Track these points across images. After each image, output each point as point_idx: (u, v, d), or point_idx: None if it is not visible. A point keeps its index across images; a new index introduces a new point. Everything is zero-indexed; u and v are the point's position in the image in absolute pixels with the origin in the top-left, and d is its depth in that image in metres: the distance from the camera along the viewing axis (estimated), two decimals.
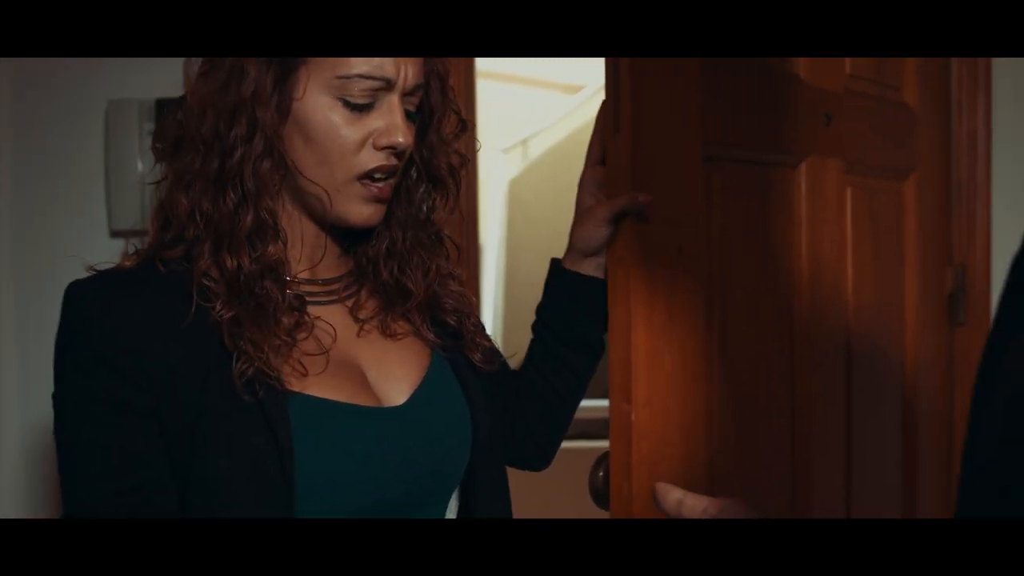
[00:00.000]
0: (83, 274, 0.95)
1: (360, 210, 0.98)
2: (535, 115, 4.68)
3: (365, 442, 0.96)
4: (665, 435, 1.14)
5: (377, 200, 0.98)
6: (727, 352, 1.22)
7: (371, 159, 0.96)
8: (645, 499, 1.12)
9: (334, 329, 1.00)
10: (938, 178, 1.68)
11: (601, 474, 1.20)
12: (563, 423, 1.25)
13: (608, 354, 1.14)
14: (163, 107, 1.68)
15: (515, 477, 1.19)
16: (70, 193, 1.75)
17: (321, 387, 0.95)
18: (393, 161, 0.98)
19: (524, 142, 4.93)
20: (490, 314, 4.27)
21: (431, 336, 1.08)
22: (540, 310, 1.21)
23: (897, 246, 1.58)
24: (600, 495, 1.20)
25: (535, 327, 1.22)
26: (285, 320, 0.95)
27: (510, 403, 1.20)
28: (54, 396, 0.93)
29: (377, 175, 0.97)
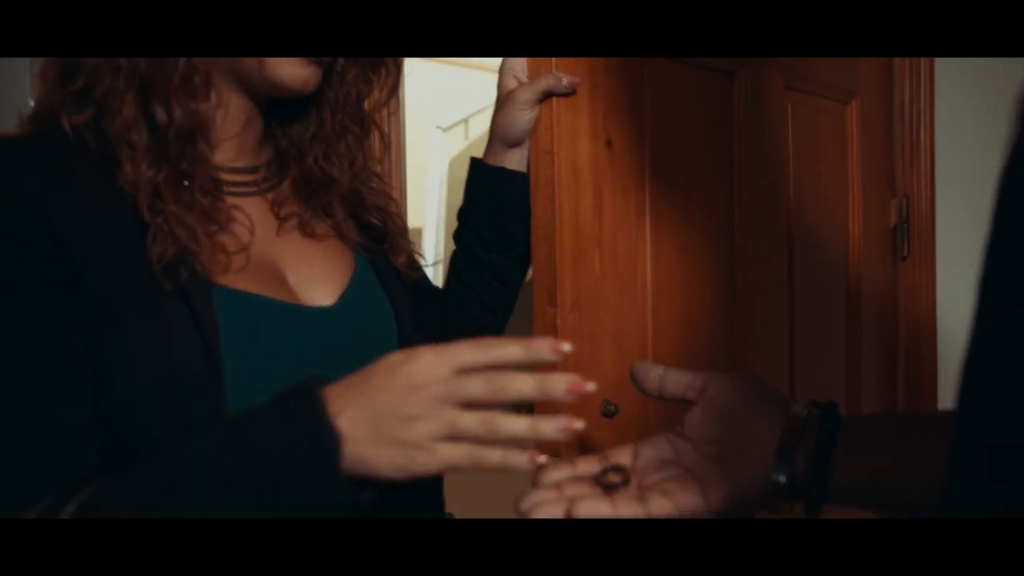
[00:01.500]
0: None
1: (296, 72, 0.86)
2: (475, 95, 4.60)
3: (295, 342, 0.84)
4: (595, 342, 1.05)
5: (316, 62, 0.87)
6: (661, 255, 1.13)
7: None
8: (571, 412, 1.03)
9: (252, 223, 0.88)
10: (881, 104, 1.62)
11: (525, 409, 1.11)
12: None
13: (532, 253, 1.04)
14: None
15: None
16: None
17: (245, 282, 0.83)
18: None
19: (465, 121, 4.84)
20: None
21: (354, 235, 0.96)
22: (463, 214, 1.11)
23: (840, 172, 1.52)
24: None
25: (458, 235, 1.12)
26: (205, 201, 0.83)
27: (435, 318, 1.09)
28: None
29: None
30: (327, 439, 0.67)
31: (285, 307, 0.84)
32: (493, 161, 1.07)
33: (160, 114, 0.80)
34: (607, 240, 1.07)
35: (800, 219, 1.40)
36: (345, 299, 0.90)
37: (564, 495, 0.72)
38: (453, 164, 4.74)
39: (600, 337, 1.06)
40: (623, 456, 0.77)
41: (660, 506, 0.71)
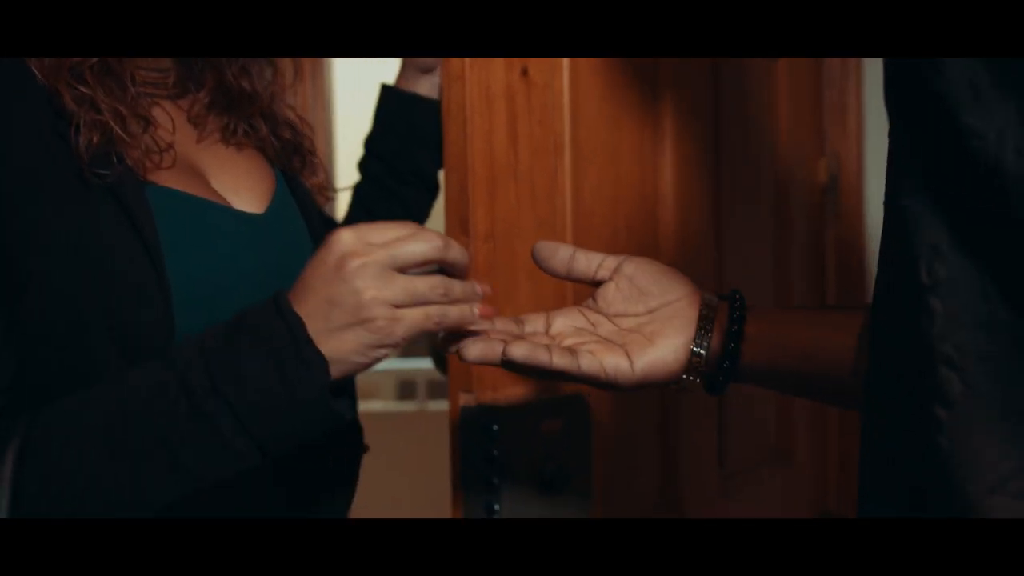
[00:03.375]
0: None
1: None
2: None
3: (234, 244, 0.79)
4: (510, 275, 1.02)
5: None
6: (583, 191, 1.10)
7: None
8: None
9: (174, 124, 0.82)
10: (809, 63, 1.61)
11: (442, 333, 1.07)
12: None
13: (444, 181, 1.01)
14: None
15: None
16: None
17: (175, 182, 0.76)
18: None
19: None
20: None
21: (274, 148, 0.91)
22: (371, 142, 1.08)
23: (770, 129, 1.51)
24: (440, 355, 1.07)
25: (364, 165, 1.08)
26: (134, 90, 0.76)
27: None
28: None
29: None
30: (313, 357, 0.64)
31: (221, 209, 0.79)
32: (405, 87, 1.03)
33: None
34: (523, 171, 1.03)
35: (728, 171, 1.38)
36: (272, 209, 0.86)
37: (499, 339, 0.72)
38: None
39: (515, 270, 1.02)
40: (538, 322, 0.77)
41: (589, 363, 0.72)
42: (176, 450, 0.63)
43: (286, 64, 0.97)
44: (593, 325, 0.77)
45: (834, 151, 1.63)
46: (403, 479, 2.68)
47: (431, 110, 1.03)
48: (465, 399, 0.98)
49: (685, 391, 0.76)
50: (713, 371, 0.75)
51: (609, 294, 0.77)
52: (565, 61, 1.08)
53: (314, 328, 0.64)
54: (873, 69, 1.65)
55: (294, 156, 0.93)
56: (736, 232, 1.39)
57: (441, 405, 3.03)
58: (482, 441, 0.96)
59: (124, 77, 0.75)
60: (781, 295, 1.51)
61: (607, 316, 0.77)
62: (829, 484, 1.69)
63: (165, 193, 0.74)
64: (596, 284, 0.79)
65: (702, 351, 0.74)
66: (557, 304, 1.07)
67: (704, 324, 0.74)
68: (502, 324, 0.75)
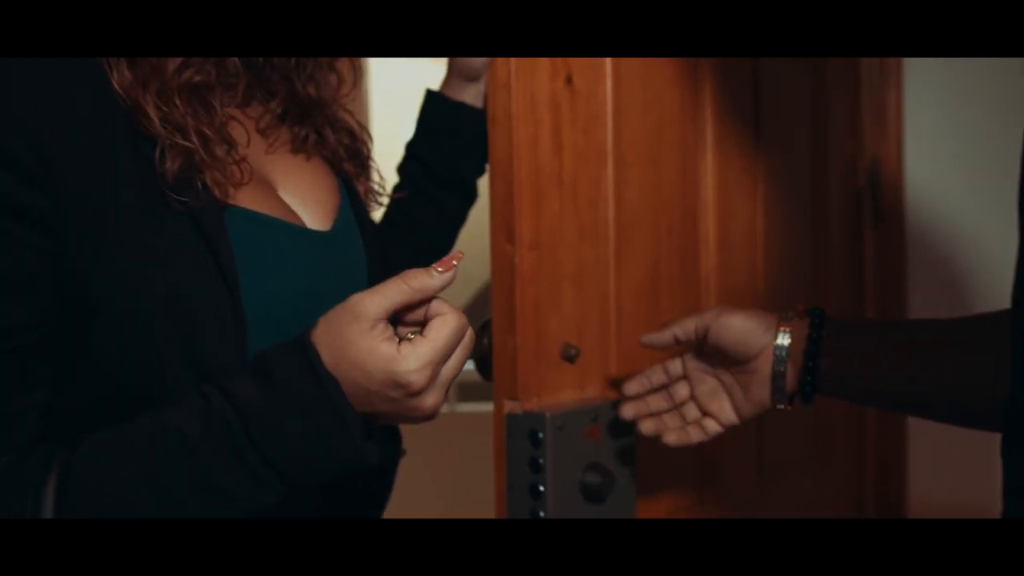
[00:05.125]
0: None
1: None
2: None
3: (305, 266, 0.79)
4: (554, 283, 1.03)
5: None
6: (625, 199, 1.11)
7: None
8: (532, 355, 1.01)
9: (248, 137, 0.80)
10: (849, 64, 1.60)
11: (486, 341, 1.08)
12: None
13: (489, 190, 1.01)
14: None
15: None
16: None
17: (249, 200, 0.75)
18: None
19: None
20: None
21: (341, 156, 0.91)
22: (413, 147, 1.08)
23: (808, 133, 1.50)
24: (485, 362, 1.08)
25: (406, 168, 1.09)
26: (217, 105, 0.74)
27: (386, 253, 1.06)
28: None
29: None
30: (351, 419, 0.66)
31: (293, 230, 0.79)
32: (450, 94, 1.04)
33: None
34: (567, 180, 1.04)
35: (768, 174, 1.38)
36: (337, 225, 0.85)
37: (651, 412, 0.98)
38: None
39: (559, 278, 1.03)
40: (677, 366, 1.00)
41: (713, 428, 0.97)
42: (208, 487, 0.65)
43: (345, 69, 0.97)
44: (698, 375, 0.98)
45: (873, 154, 1.62)
46: (438, 482, 2.70)
47: (475, 118, 1.04)
48: (510, 407, 0.99)
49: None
50: (797, 400, 0.94)
51: (703, 354, 0.98)
52: (608, 69, 1.09)
53: (351, 392, 0.66)
54: (913, 71, 1.64)
55: (352, 161, 0.93)
56: (775, 236, 1.39)
57: (471, 407, 3.04)
58: (527, 448, 0.97)
59: (212, 99, 0.75)
60: (819, 298, 1.51)
61: (705, 372, 0.98)
62: (867, 486, 1.68)
63: (242, 215, 0.74)
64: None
65: (782, 403, 0.95)
66: (602, 312, 1.08)
67: (777, 382, 0.93)
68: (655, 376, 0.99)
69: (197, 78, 0.73)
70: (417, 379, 0.65)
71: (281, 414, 0.65)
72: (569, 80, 1.04)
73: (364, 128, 0.95)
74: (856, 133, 1.61)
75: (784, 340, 0.92)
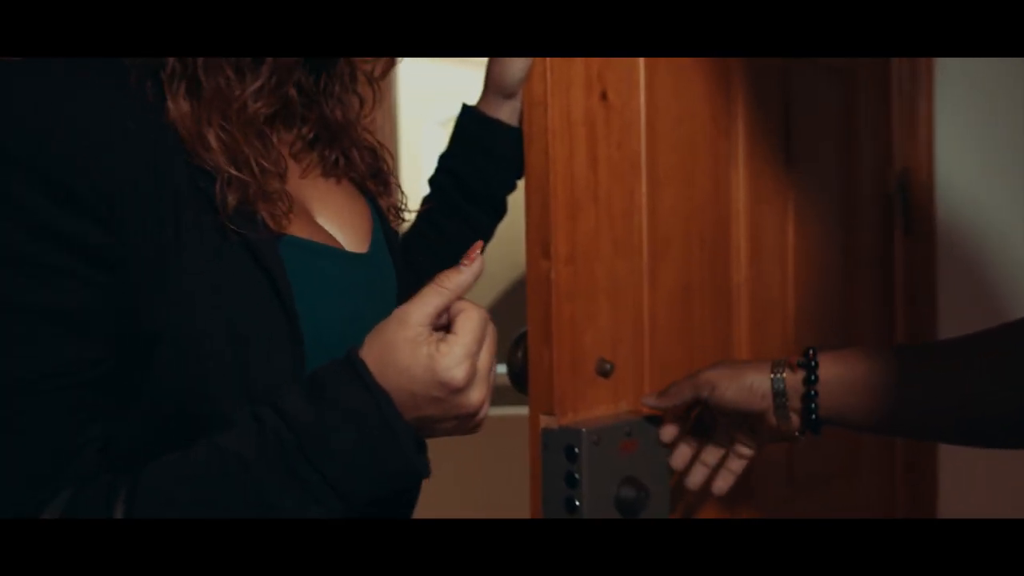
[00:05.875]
0: None
1: None
2: (471, 90, 4.59)
3: (350, 288, 0.81)
4: (590, 297, 1.03)
5: None
6: (658, 213, 1.11)
7: None
8: (568, 370, 1.01)
9: (285, 161, 0.79)
10: (879, 72, 1.60)
11: (521, 354, 1.09)
12: None
13: (525, 205, 1.02)
14: None
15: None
16: None
17: (296, 227, 0.76)
18: None
19: None
20: None
21: (366, 175, 0.92)
22: (446, 160, 1.09)
23: (838, 141, 1.50)
24: (519, 376, 1.08)
25: (437, 180, 1.09)
26: (275, 137, 0.75)
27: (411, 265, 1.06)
28: None
29: None
30: (401, 430, 0.68)
31: (339, 255, 0.80)
32: (486, 111, 1.05)
33: None
34: (602, 195, 1.04)
35: (799, 185, 1.38)
36: (373, 246, 0.87)
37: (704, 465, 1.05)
38: None
39: (595, 293, 1.03)
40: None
41: (738, 466, 1.05)
42: (266, 505, 0.66)
43: (367, 90, 0.98)
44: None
45: (903, 162, 1.62)
46: (464, 485, 2.71)
47: (510, 136, 1.04)
48: (546, 421, 0.99)
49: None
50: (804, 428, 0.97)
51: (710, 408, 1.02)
52: (642, 83, 1.09)
53: (400, 402, 0.68)
54: (944, 78, 1.63)
55: (375, 179, 0.94)
56: (806, 245, 1.39)
57: (497, 411, 3.04)
58: (563, 462, 0.97)
59: (271, 131, 0.75)
60: (849, 309, 1.51)
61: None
62: (897, 496, 1.68)
63: (292, 243, 0.75)
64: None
65: (791, 439, 0.99)
66: (636, 326, 1.09)
67: (783, 424, 0.97)
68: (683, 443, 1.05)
69: (264, 110, 0.74)
70: (458, 374, 0.68)
71: (333, 429, 0.66)
72: (604, 95, 1.04)
73: (383, 146, 0.96)
74: (887, 141, 1.60)
75: (780, 387, 0.95)
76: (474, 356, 0.69)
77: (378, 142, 0.97)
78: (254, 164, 0.71)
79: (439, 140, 4.94)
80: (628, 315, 1.07)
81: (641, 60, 1.09)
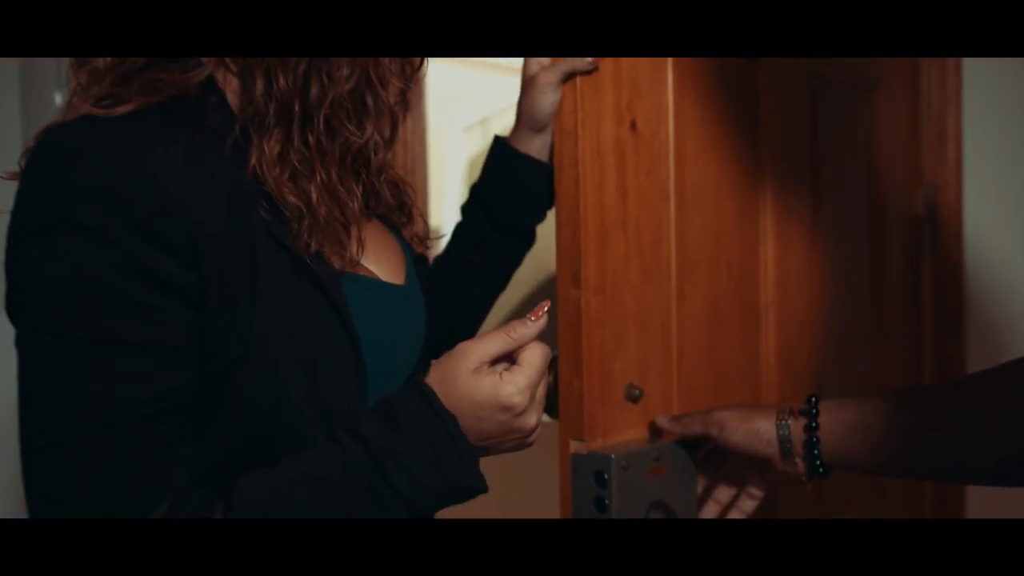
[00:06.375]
0: None
1: None
2: (495, 95, 4.60)
3: (398, 319, 0.88)
4: (619, 325, 1.04)
5: None
6: (686, 239, 1.13)
7: None
8: (597, 396, 1.03)
9: (352, 207, 0.85)
10: (906, 92, 1.60)
11: (551, 379, 1.10)
12: (482, 314, 1.14)
13: (556, 235, 1.04)
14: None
15: None
16: None
17: (349, 263, 0.82)
18: None
19: (483, 121, 4.84)
20: None
21: (393, 208, 0.95)
22: (477, 190, 1.11)
23: (866, 160, 1.51)
24: (550, 400, 1.10)
25: (469, 209, 1.11)
26: (349, 181, 0.81)
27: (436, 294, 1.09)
28: (30, 284, 0.69)
29: None
30: (466, 451, 0.76)
31: (383, 287, 0.86)
32: (517, 145, 1.07)
33: (318, 86, 0.77)
34: (631, 223, 1.06)
35: (825, 206, 1.39)
36: (408, 279, 0.92)
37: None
38: (472, 165, 4.75)
39: (624, 320, 1.05)
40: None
41: (749, 506, 1.06)
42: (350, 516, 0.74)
43: (386, 125, 0.99)
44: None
45: (931, 182, 1.62)
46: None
47: (540, 172, 1.06)
48: (576, 447, 1.01)
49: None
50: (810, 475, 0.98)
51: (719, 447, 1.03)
52: (671, 111, 1.11)
53: (465, 424, 0.76)
54: (972, 98, 1.64)
55: (400, 212, 0.97)
56: (832, 266, 1.40)
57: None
58: (592, 487, 0.99)
59: (342, 178, 0.81)
60: (877, 329, 1.51)
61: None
62: (926, 511, 1.68)
63: (351, 279, 0.81)
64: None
65: (798, 483, 1.00)
66: (664, 352, 1.10)
67: (789, 470, 0.98)
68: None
69: (334, 162, 0.79)
70: (520, 400, 0.76)
71: (407, 451, 0.74)
72: (633, 125, 1.06)
73: (406, 182, 1.00)
74: (915, 161, 1.61)
75: (785, 433, 0.97)
76: (534, 387, 0.77)
77: (399, 176, 0.99)
78: (323, 207, 0.78)
79: (463, 145, 4.95)
80: (656, 341, 1.09)
81: (670, 89, 1.11)
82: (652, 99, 1.09)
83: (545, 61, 1.03)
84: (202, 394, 0.73)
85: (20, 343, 0.71)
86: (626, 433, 1.05)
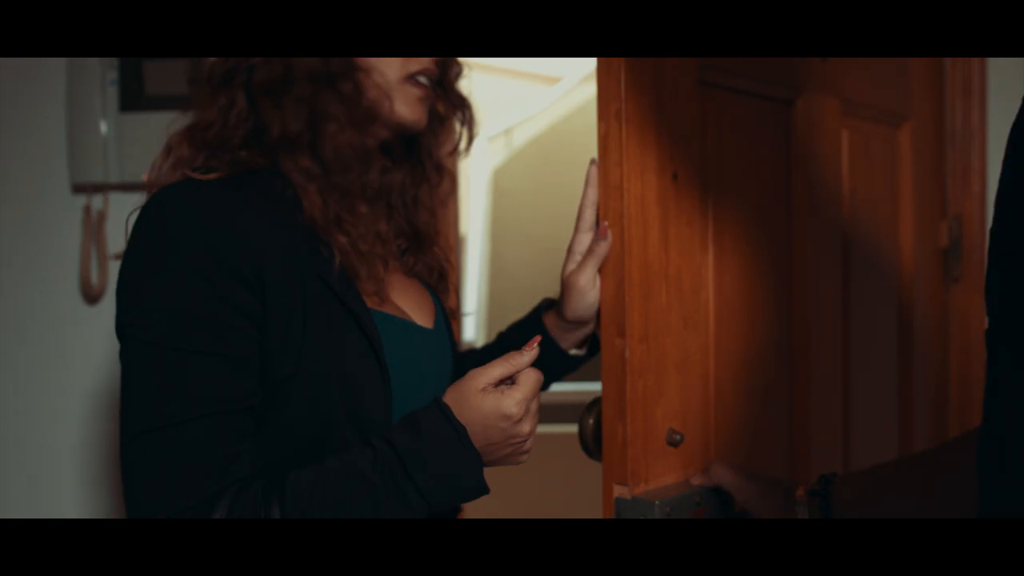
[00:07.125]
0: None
1: (414, 111, 1.00)
2: (517, 105, 4.61)
3: (425, 355, 1.03)
4: (661, 371, 1.08)
5: (423, 103, 1.01)
6: (723, 285, 1.16)
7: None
8: (640, 442, 1.06)
9: (390, 256, 1.03)
10: (932, 126, 1.63)
11: (592, 421, 1.14)
12: None
13: (600, 286, 1.07)
14: (125, 59, 1.59)
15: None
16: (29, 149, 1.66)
17: (384, 305, 0.99)
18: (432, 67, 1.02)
19: (508, 131, 4.86)
20: (473, 302, 4.16)
21: (435, 279, 1.12)
22: (504, 337, 1.21)
23: (892, 195, 1.53)
24: (590, 444, 1.13)
25: (491, 347, 1.20)
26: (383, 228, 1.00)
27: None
28: (140, 307, 0.87)
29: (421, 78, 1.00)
30: (473, 458, 0.91)
31: (412, 327, 1.01)
32: (554, 332, 1.14)
33: (353, 138, 0.95)
34: (672, 271, 1.09)
35: (854, 244, 1.42)
36: (438, 324, 1.08)
37: None
38: (496, 174, 4.76)
39: (666, 367, 1.08)
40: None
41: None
42: (376, 507, 0.88)
43: (428, 197, 1.12)
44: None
45: (956, 213, 1.65)
46: (505, 494, 2.75)
47: (565, 360, 1.16)
48: (619, 491, 1.04)
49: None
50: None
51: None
52: (711, 158, 1.14)
53: (473, 433, 0.91)
54: (997, 129, 1.66)
55: (440, 283, 1.13)
56: (860, 301, 1.43)
57: (548, 428, 3.09)
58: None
59: (389, 245, 0.97)
60: (904, 360, 1.54)
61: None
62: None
63: (383, 318, 0.97)
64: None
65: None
66: (703, 397, 1.13)
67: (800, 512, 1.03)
68: None
69: (382, 222, 0.97)
70: (518, 410, 0.91)
71: (427, 453, 0.89)
72: (676, 176, 1.09)
73: (449, 260, 1.16)
74: (939, 193, 1.63)
75: (802, 511, 1.03)
76: (529, 401, 0.93)
77: (446, 257, 1.15)
78: (368, 259, 0.95)
79: (488, 154, 4.97)
80: (696, 386, 1.12)
81: (710, 136, 1.14)
82: (692, 147, 1.11)
83: (575, 257, 1.08)
84: (265, 401, 0.89)
85: (124, 356, 0.88)
86: (667, 476, 1.08)
